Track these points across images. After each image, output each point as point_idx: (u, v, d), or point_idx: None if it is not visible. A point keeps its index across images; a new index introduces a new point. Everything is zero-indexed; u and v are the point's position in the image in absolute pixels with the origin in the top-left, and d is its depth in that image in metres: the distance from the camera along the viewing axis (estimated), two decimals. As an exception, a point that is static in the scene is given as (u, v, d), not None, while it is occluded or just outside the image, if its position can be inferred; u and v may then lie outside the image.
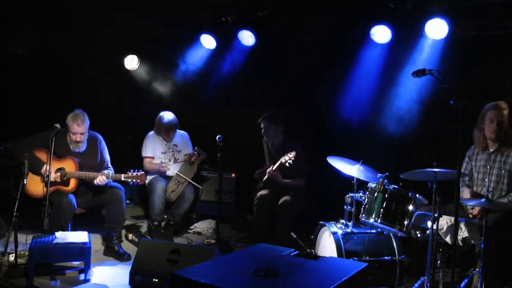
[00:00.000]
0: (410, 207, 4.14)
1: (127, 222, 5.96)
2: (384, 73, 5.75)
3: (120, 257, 4.86)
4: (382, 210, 4.14)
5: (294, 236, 4.82)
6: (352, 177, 4.54)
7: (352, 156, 4.67)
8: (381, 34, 5.51)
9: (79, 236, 4.34)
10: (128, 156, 6.81)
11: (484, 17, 4.98)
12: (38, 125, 4.92)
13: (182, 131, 6.06)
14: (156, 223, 5.48)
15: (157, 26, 6.45)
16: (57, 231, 4.42)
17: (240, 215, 6.39)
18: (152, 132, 5.91)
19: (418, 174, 3.88)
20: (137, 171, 4.93)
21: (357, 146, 5.63)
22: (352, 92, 5.95)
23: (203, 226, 6.17)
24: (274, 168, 5.28)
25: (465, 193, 4.36)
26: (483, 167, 4.35)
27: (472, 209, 4.19)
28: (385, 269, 4.20)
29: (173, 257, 4.08)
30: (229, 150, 5.76)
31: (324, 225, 4.48)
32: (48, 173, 4.42)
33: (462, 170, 4.45)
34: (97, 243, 5.18)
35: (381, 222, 4.13)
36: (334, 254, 4.16)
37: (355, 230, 4.35)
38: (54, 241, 4.23)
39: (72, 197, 4.76)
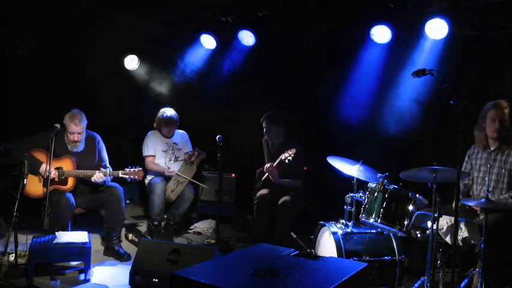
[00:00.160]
0: (410, 207, 4.14)
1: (127, 222, 5.96)
2: (384, 73, 5.75)
3: (120, 257, 4.86)
4: (382, 210, 4.14)
5: (294, 236, 4.82)
6: (352, 177, 4.54)
7: (352, 156, 4.66)
8: (381, 34, 5.51)
9: (79, 236, 4.33)
10: (128, 156, 6.81)
11: (484, 17, 4.99)
12: (38, 125, 4.92)
13: (181, 131, 6.08)
14: (156, 223, 5.48)
15: (157, 26, 6.45)
16: (57, 231, 4.41)
17: (240, 215, 6.39)
18: (152, 131, 5.92)
19: (418, 173, 3.87)
20: (134, 168, 4.94)
21: (357, 146, 5.64)
22: (352, 92, 5.95)
23: (203, 226, 6.17)
24: (274, 165, 5.28)
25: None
26: (483, 165, 4.35)
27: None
28: (385, 269, 4.20)
29: (173, 257, 4.07)
30: (229, 150, 5.76)
31: (324, 225, 4.48)
32: (48, 173, 4.42)
33: (462, 169, 4.45)
34: (97, 243, 5.18)
35: (380, 222, 4.13)
36: (334, 254, 4.15)
37: (355, 230, 4.35)
38: (54, 241, 4.22)
39: (70, 196, 4.76)
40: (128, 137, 7.16)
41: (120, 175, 4.92)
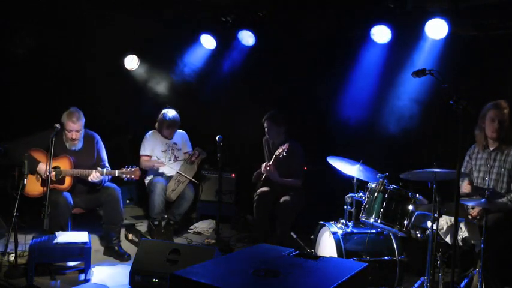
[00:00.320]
0: (410, 207, 4.14)
1: (127, 222, 5.96)
2: (384, 73, 5.76)
3: (120, 256, 4.86)
4: (382, 210, 4.14)
5: (294, 236, 4.82)
6: (352, 177, 4.54)
7: (352, 156, 4.66)
8: (381, 34, 5.51)
9: (79, 236, 4.33)
10: (128, 156, 6.80)
11: (484, 17, 4.99)
12: (38, 125, 4.92)
13: (181, 131, 6.08)
14: (156, 223, 5.48)
15: (157, 26, 6.45)
16: (57, 230, 4.42)
17: (240, 215, 6.39)
18: (152, 131, 5.92)
19: (418, 174, 3.87)
20: (131, 167, 4.93)
21: (357, 146, 5.63)
22: (352, 92, 5.95)
23: (203, 226, 6.17)
24: (270, 163, 5.28)
25: (464, 186, 4.34)
26: (483, 165, 4.35)
27: (473, 208, 4.19)
28: (385, 269, 4.20)
29: (173, 257, 4.07)
30: (229, 150, 5.76)
31: (324, 225, 4.48)
32: (48, 173, 4.41)
33: (462, 170, 4.45)
34: (97, 243, 5.18)
35: (380, 222, 4.13)
36: (334, 254, 4.15)
37: (355, 230, 4.35)
38: (54, 241, 4.22)
39: (67, 195, 4.76)
40: (128, 137, 7.16)
41: (117, 174, 4.91)
